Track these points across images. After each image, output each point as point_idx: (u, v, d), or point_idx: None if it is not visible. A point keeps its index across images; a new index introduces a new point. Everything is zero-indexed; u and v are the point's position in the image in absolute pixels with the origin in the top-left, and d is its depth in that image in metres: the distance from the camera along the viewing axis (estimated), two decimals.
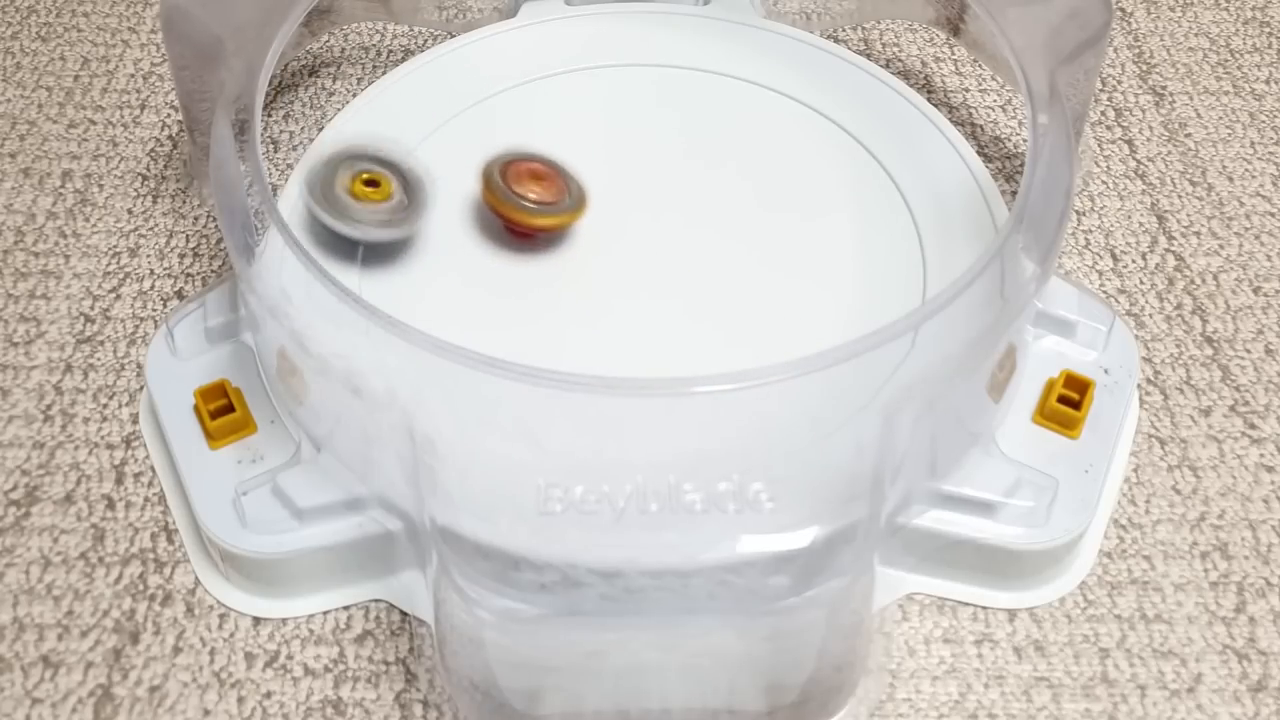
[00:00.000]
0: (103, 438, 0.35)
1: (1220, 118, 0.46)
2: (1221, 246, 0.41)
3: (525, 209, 0.35)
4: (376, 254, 0.36)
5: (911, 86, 0.41)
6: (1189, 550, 0.33)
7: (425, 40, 0.49)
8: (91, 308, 0.39)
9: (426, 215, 0.35)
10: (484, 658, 0.28)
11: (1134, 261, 0.40)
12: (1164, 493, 0.34)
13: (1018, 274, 0.32)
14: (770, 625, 0.27)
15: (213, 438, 0.33)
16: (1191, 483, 0.35)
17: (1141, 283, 0.40)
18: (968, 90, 0.47)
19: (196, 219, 0.42)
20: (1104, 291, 0.39)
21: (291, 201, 0.37)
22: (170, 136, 0.45)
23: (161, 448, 0.34)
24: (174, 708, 0.30)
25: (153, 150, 0.44)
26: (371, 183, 0.35)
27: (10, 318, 0.39)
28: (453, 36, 0.44)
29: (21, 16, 0.50)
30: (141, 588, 0.32)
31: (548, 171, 0.36)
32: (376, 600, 0.32)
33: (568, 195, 0.36)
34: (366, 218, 0.34)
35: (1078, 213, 0.42)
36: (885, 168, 0.39)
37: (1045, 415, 0.33)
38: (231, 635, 0.31)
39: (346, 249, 0.36)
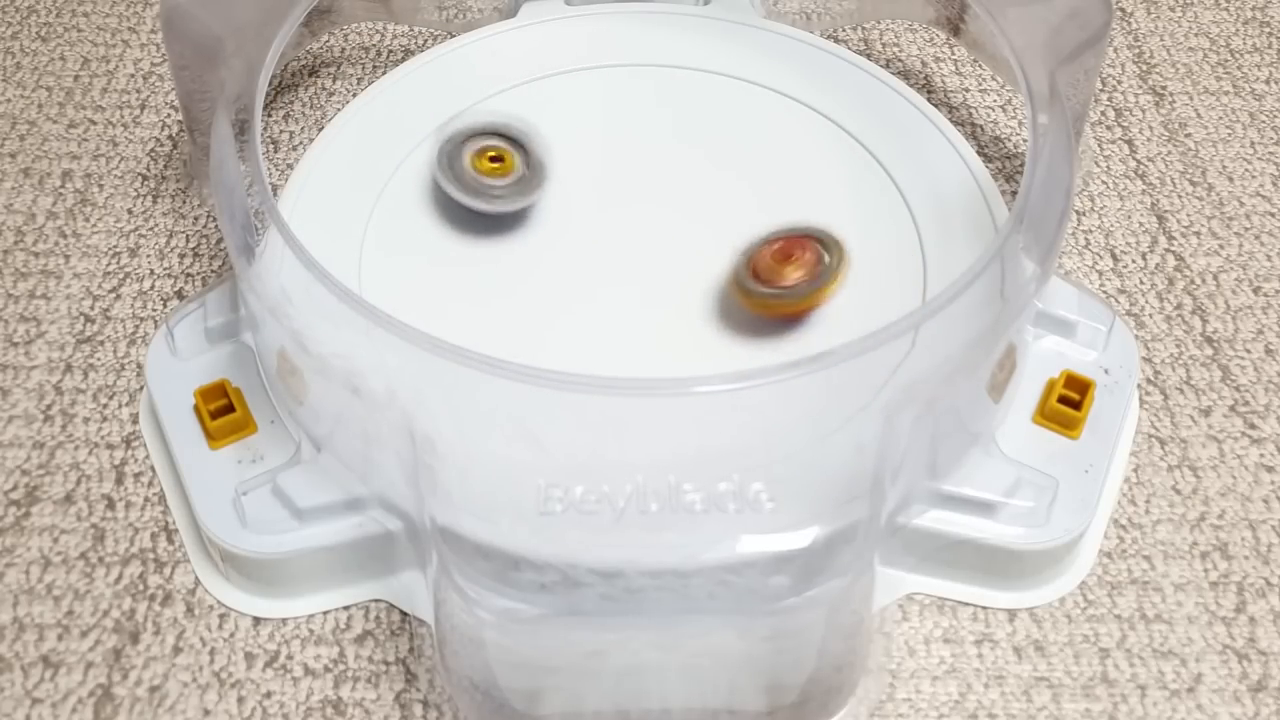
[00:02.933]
0: (103, 438, 0.35)
1: (1220, 118, 0.46)
2: (1221, 246, 0.41)
3: (790, 298, 0.33)
4: (376, 254, 0.36)
5: (911, 86, 0.41)
6: (1189, 550, 0.33)
7: (425, 40, 0.49)
8: (91, 308, 0.39)
9: (545, 187, 0.37)
10: (484, 658, 0.28)
11: (1134, 261, 0.40)
12: (1164, 493, 0.34)
13: (1018, 274, 0.32)
14: (770, 625, 0.27)
15: (213, 438, 0.33)
16: (1191, 483, 0.35)
17: (1141, 283, 0.40)
18: (968, 90, 0.47)
19: (196, 219, 0.42)
20: (1104, 291, 0.39)
21: (291, 201, 0.37)
22: (170, 136, 0.45)
23: (161, 448, 0.34)
24: (174, 708, 0.30)
25: (153, 150, 0.44)
26: (496, 159, 0.37)
27: (10, 318, 0.39)
28: (453, 36, 0.44)
29: (21, 16, 0.50)
30: (141, 588, 0.32)
31: (795, 244, 0.34)
32: (376, 600, 0.32)
33: (820, 260, 0.34)
34: (492, 192, 0.37)
35: (1078, 213, 0.42)
36: (885, 168, 0.39)
37: (1045, 415, 0.33)
38: (231, 635, 0.31)
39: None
